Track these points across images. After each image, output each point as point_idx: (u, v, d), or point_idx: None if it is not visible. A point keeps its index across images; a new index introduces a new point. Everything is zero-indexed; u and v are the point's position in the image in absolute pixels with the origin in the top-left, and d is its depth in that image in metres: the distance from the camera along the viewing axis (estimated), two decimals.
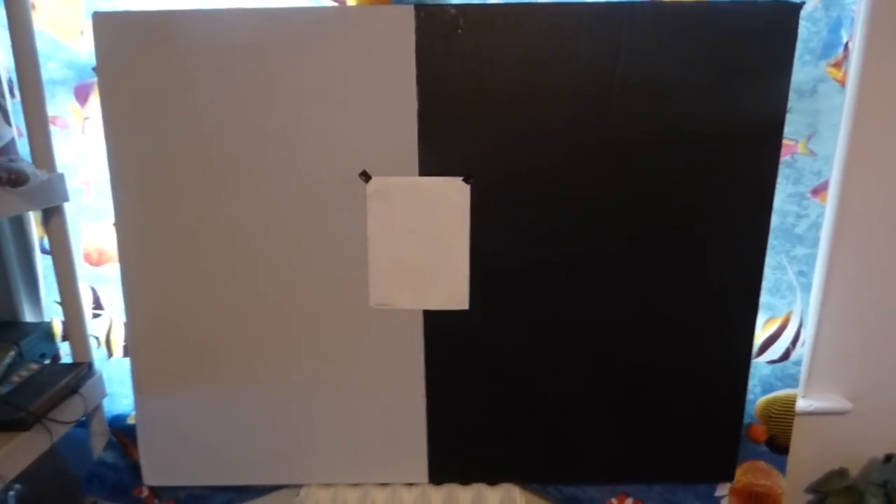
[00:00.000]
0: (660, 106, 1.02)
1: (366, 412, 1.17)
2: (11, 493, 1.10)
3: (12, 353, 1.05)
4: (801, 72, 1.04)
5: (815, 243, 1.13)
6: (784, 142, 1.04)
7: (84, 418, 1.09)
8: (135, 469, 1.21)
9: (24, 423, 0.94)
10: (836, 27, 1.03)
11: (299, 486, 1.22)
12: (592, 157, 1.04)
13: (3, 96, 1.04)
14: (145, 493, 1.24)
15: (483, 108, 1.03)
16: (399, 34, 1.00)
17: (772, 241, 1.10)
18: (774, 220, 1.08)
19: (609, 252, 1.09)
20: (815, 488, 1.31)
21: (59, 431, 1.00)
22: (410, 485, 1.22)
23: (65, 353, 1.19)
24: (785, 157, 1.08)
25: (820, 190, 1.10)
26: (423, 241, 1.08)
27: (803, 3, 0.98)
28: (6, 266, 1.15)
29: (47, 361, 1.14)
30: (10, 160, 0.92)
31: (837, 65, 1.05)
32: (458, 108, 1.03)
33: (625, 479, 1.24)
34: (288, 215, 1.07)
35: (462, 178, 1.05)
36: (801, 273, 1.14)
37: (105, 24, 0.99)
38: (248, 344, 1.13)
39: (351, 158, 1.05)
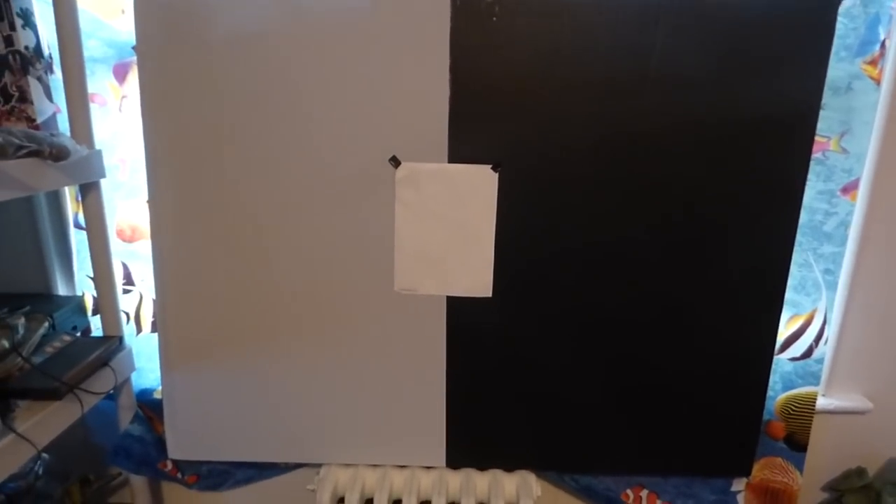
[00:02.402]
0: (692, 99, 1.02)
1: (387, 395, 1.18)
2: (39, 461, 1.13)
3: (46, 324, 1.07)
4: (837, 68, 1.03)
5: (843, 242, 1.13)
6: (816, 138, 1.04)
7: (113, 391, 1.11)
8: (160, 443, 1.23)
9: (58, 392, 0.95)
10: (873, 24, 1.03)
11: (319, 466, 1.24)
12: (622, 149, 1.05)
13: (46, 73, 1.05)
14: (169, 466, 1.26)
15: (515, 97, 1.03)
16: (434, 21, 1.00)
17: (799, 238, 1.09)
18: (803, 217, 1.08)
19: (634, 244, 1.09)
20: (832, 486, 1.31)
21: (89, 402, 1.01)
22: (428, 468, 1.23)
23: (95, 327, 1.22)
24: (816, 154, 1.08)
25: (850, 188, 1.10)
26: (449, 228, 1.09)
27: None
28: (42, 240, 1.18)
29: (79, 334, 1.16)
30: (52, 135, 0.94)
31: (873, 62, 1.04)
32: (490, 97, 1.03)
33: (641, 471, 1.25)
34: (317, 198, 1.08)
35: (491, 166, 1.06)
36: (827, 271, 1.14)
37: (146, 3, 1.01)
38: (274, 324, 1.14)
39: (381, 144, 1.06)
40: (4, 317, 0.98)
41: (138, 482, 1.25)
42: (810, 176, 1.07)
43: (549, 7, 0.99)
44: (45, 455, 1.13)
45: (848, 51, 1.04)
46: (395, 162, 1.06)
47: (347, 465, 1.23)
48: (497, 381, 1.17)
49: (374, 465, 1.23)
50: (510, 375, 1.17)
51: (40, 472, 1.12)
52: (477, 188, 1.07)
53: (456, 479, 1.21)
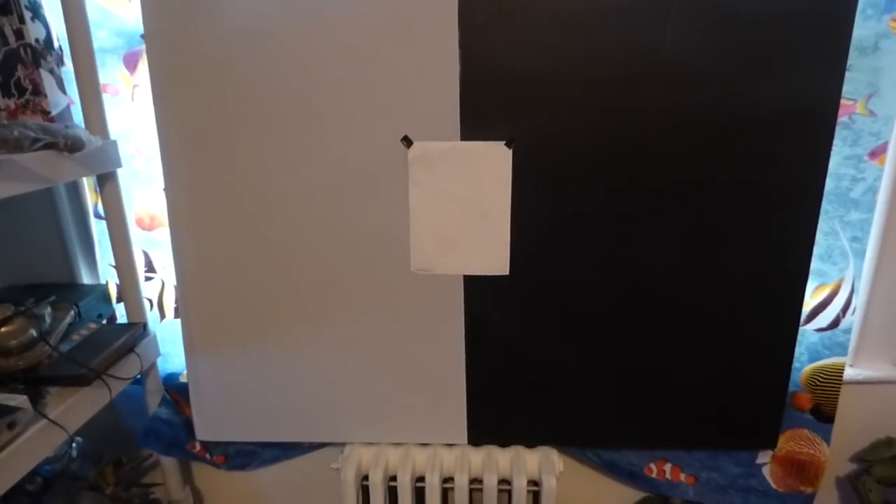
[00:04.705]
0: (711, 71, 0.98)
1: (408, 374, 1.19)
2: (73, 444, 1.17)
3: (72, 313, 1.10)
4: (863, 27, 0.99)
5: (871, 208, 1.09)
6: (842, 101, 1.00)
7: (140, 376, 1.14)
8: (188, 425, 1.26)
9: (86, 378, 0.98)
10: None
11: (343, 445, 1.26)
12: (637, 121, 1.02)
13: (57, 65, 1.06)
14: (197, 447, 1.29)
15: (526, 72, 1.01)
16: None
17: (825, 205, 1.06)
18: (829, 183, 1.04)
19: (655, 216, 1.07)
20: (860, 457, 1.29)
21: (117, 388, 1.04)
22: (450, 445, 1.25)
23: (120, 314, 1.24)
24: (842, 118, 1.04)
25: (878, 152, 1.06)
26: (464, 207, 1.08)
27: None
28: (64, 231, 1.20)
29: (104, 322, 1.19)
30: (67, 127, 0.95)
31: None
32: (501, 73, 1.01)
33: (664, 445, 1.25)
34: (332, 180, 1.08)
35: (504, 142, 1.04)
36: (854, 239, 1.11)
37: None
38: (294, 306, 1.16)
39: (393, 124, 1.05)
40: (31, 307, 1.01)
41: (169, 463, 1.29)
42: (836, 141, 1.03)
43: None
44: (78, 439, 1.17)
45: (875, 8, 0.99)
46: (408, 142, 1.05)
47: (370, 444, 1.25)
48: (517, 357, 1.17)
49: (397, 444, 1.25)
50: (530, 352, 1.17)
51: (74, 455, 1.16)
52: (491, 165, 1.06)
53: (478, 456, 1.22)
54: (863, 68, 1.02)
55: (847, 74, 0.98)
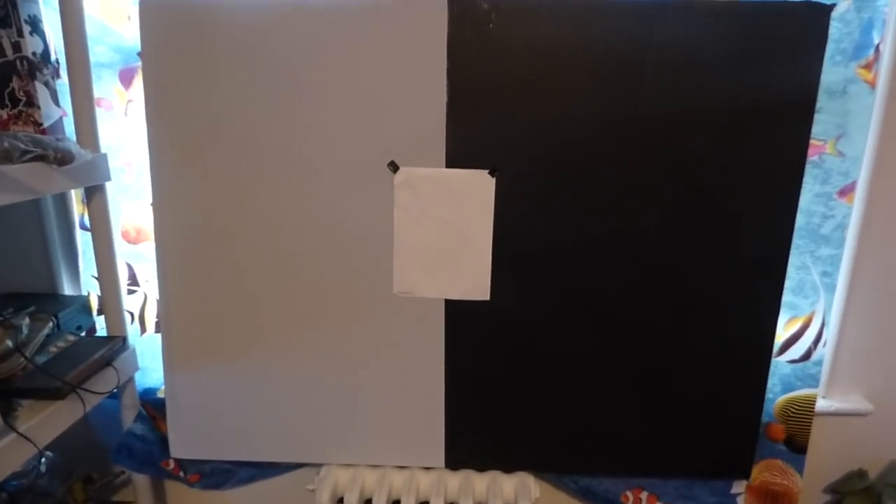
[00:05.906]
0: (689, 100, 1.02)
1: (386, 397, 1.19)
2: (43, 459, 1.14)
3: (50, 324, 1.09)
4: (832, 72, 1.04)
5: (841, 244, 1.13)
6: (812, 142, 1.05)
7: (116, 390, 1.12)
8: (162, 441, 1.24)
9: (60, 392, 0.96)
10: (867, 29, 1.03)
11: (320, 466, 1.25)
12: (620, 151, 1.05)
13: (52, 78, 1.07)
14: (172, 465, 1.27)
15: (512, 101, 1.04)
16: (432, 27, 1.02)
17: (797, 240, 1.10)
18: (800, 219, 1.08)
19: (631, 247, 1.10)
20: (833, 489, 1.30)
21: (92, 402, 1.02)
22: (428, 469, 1.24)
23: (100, 326, 1.23)
24: (812, 158, 1.08)
25: (847, 191, 1.10)
26: (447, 232, 1.10)
27: (834, 4, 0.99)
28: (48, 241, 1.20)
29: (83, 334, 1.18)
30: (58, 139, 0.96)
31: (868, 66, 1.05)
32: (487, 102, 1.04)
33: (640, 473, 1.25)
34: (318, 202, 1.10)
35: (488, 171, 1.07)
36: (825, 273, 1.14)
37: (151, 10, 1.03)
38: (276, 326, 1.16)
39: (380, 148, 1.07)
40: (9, 317, 1.00)
41: (141, 481, 1.26)
42: (807, 179, 1.07)
43: (544, 12, 1.00)
44: (48, 453, 1.14)
45: (843, 55, 1.04)
46: (394, 167, 1.07)
47: (347, 466, 1.24)
48: (495, 382, 1.18)
49: (374, 466, 1.24)
50: (508, 377, 1.17)
51: (43, 470, 1.13)
52: (474, 193, 1.08)
53: (455, 480, 1.22)
54: (832, 111, 1.07)
55: (817, 116, 1.03)
